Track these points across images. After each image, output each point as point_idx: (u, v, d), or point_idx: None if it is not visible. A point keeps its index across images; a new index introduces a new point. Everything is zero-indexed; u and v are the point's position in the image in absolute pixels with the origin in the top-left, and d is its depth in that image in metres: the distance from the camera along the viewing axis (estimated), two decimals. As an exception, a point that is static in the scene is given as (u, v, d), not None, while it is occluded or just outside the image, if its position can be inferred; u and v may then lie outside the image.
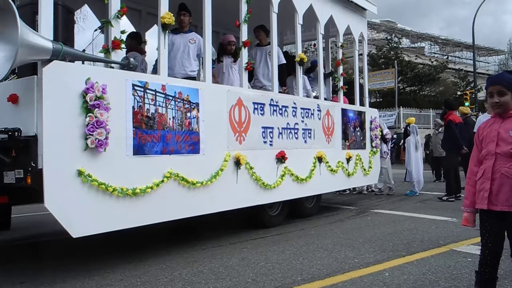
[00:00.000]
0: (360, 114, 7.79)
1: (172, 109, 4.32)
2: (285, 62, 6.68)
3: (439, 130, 11.82)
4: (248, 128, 5.20)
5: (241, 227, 5.81)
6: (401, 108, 26.63)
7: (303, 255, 4.35)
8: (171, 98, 4.31)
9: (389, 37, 32.08)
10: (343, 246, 4.70)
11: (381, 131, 9.51)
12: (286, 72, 7.28)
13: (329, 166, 6.65)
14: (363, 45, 8.34)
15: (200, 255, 4.43)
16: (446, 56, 41.44)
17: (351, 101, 7.94)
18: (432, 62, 31.41)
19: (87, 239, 3.65)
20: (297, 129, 6.05)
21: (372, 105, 34.08)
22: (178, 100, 4.40)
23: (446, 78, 31.90)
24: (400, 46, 32.82)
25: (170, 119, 4.28)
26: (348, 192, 10.03)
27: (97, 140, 3.54)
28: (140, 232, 4.82)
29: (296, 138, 6.03)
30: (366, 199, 9.07)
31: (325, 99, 7.38)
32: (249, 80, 6.84)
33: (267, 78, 6.67)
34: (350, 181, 7.28)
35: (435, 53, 42.91)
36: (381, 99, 30.44)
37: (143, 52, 6.10)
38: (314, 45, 8.37)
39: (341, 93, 7.47)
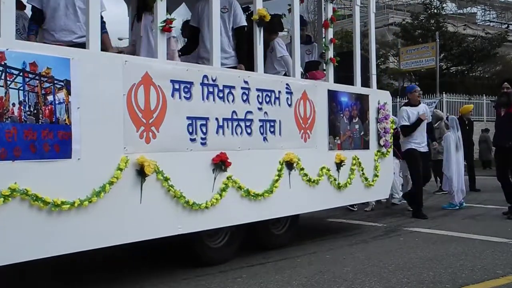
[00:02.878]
0: (361, 98, 6.87)
1: (18, 89, 3.49)
2: (245, 24, 5.82)
3: (437, 124, 11.86)
4: (161, 119, 4.33)
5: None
6: (444, 94, 25.72)
7: None
8: (16, 72, 3.47)
9: (428, 1, 30.99)
10: (367, 276, 4.70)
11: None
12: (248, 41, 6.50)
13: (306, 175, 5.76)
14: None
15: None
16: (506, 25, 40.24)
17: (347, 80, 7.04)
18: (486, 33, 30.30)
19: None
20: (251, 120, 5.17)
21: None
22: (31, 75, 3.55)
23: (505, 54, 30.81)
24: (443, 13, 31.76)
25: (13, 105, 3.44)
26: (356, 208, 9.21)
27: None
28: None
29: (249, 133, 5.15)
30: (397, 214, 8.76)
31: (305, 76, 6.52)
32: (191, 50, 6.06)
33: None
34: (343, 196, 6.38)
35: (490, 21, 41.70)
36: (417, 83, 29.43)
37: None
38: (302, 0, 7.48)
39: (330, 69, 6.55)
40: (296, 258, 5.45)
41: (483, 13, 42.84)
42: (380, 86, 31.39)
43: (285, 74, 6.41)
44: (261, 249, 5.73)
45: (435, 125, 11.78)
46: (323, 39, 6.77)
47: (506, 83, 8.44)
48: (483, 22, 40.96)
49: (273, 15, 7.38)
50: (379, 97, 7.27)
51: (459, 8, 39.50)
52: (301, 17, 7.46)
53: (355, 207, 9.15)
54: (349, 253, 5.69)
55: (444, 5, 33.32)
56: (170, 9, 7.31)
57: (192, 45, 6.08)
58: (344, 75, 7.17)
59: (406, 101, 9.20)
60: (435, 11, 30.37)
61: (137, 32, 5.27)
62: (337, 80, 7.32)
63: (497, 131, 8.41)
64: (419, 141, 8.43)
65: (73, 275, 5.07)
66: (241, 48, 5.82)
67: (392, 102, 28.01)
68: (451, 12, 37.11)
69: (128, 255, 5.61)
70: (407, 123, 8.42)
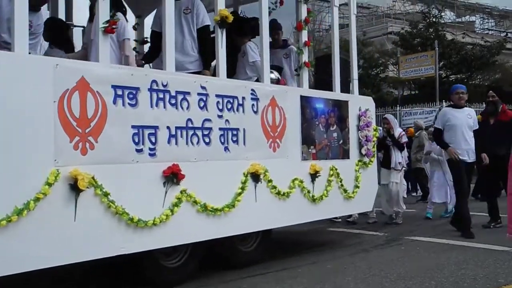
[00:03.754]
0: (339, 105, 6.40)
1: None
2: (208, 23, 5.41)
3: (417, 133, 11.47)
4: (101, 128, 3.90)
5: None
6: (444, 103, 25.13)
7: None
8: None
9: (426, 10, 30.56)
10: (369, 286, 4.68)
11: (387, 132, 8.40)
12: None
13: (274, 188, 5.29)
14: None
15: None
16: (505, 33, 39.66)
17: (326, 85, 6.59)
18: (485, 41, 29.79)
19: None
20: (209, 128, 4.72)
21: (405, 98, 33.02)
22: None
23: (504, 62, 30.27)
24: (442, 21, 31.30)
25: None
26: (340, 220, 8.72)
27: None
28: None
29: (207, 143, 4.70)
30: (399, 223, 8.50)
31: (276, 82, 6.08)
32: (155, 57, 5.63)
33: (182, 51, 5.42)
34: (319, 210, 5.90)
35: (489, 30, 41.12)
36: (417, 91, 29.00)
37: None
38: (282, 2, 7.09)
39: (305, 73, 6.10)
40: (297, 268, 5.39)
41: (481, 22, 42.33)
42: (380, 95, 31.08)
43: (257, 80, 6.00)
44: (229, 268, 5.27)
45: (416, 134, 11.37)
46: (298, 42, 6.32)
47: (491, 91, 8.08)
48: (481, 30, 40.40)
49: (251, 18, 7.06)
50: (360, 104, 6.79)
51: (458, 17, 39.04)
52: (275, 20, 7.10)
53: (338, 218, 8.64)
54: (350, 263, 5.64)
55: (443, 13, 32.93)
56: (144, 13, 7.00)
57: (155, 52, 5.65)
58: (325, 80, 6.77)
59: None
60: (434, 19, 29.93)
61: (89, 34, 4.86)
62: (318, 85, 6.95)
63: (487, 140, 7.89)
64: (464, 148, 7.20)
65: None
66: (206, 50, 5.40)
67: (392, 111, 27.51)
68: (450, 21, 36.63)
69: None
70: (440, 127, 7.33)
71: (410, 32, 29.20)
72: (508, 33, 39.52)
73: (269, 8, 7.17)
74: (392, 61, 30.25)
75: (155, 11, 7.35)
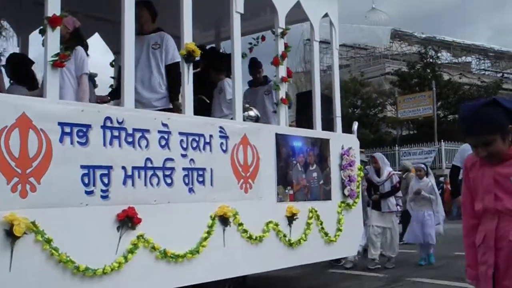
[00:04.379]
0: (319, 143, 6.09)
1: None
2: (178, 60, 5.18)
3: (404, 175, 11.18)
4: (44, 168, 3.58)
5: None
6: (443, 143, 24.88)
7: None
8: None
9: (423, 50, 30.65)
10: None
11: (367, 181, 8.06)
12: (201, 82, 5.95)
13: (246, 231, 4.93)
14: (333, 34, 6.71)
15: None
16: (501, 74, 39.70)
17: (306, 122, 6.32)
18: (482, 81, 29.78)
19: None
20: (172, 169, 4.39)
21: (404, 138, 32.83)
22: None
23: (502, 102, 30.16)
24: (439, 62, 31.35)
25: None
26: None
27: None
28: None
29: (169, 184, 4.36)
30: (399, 263, 8.30)
31: (254, 119, 5.81)
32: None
33: (149, 88, 5.18)
34: (296, 255, 5.51)
35: (485, 70, 41.18)
36: (415, 131, 28.79)
37: None
38: (263, 38, 6.91)
39: (282, 110, 5.81)
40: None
41: (477, 62, 42.47)
42: (379, 135, 30.86)
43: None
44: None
45: (403, 175, 11.02)
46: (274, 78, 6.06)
47: None
48: (478, 71, 40.50)
49: (229, 54, 6.88)
50: (342, 142, 6.47)
51: (454, 57, 39.16)
52: (255, 59, 6.95)
53: (342, 260, 8.18)
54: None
55: (439, 54, 33.04)
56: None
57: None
58: (306, 117, 6.51)
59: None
60: (431, 60, 29.99)
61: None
62: (300, 122, 6.71)
63: None
64: None
65: None
66: (175, 87, 5.15)
67: (391, 151, 27.26)
68: (447, 61, 36.74)
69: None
70: (459, 165, 6.49)
71: (407, 72, 29.24)
72: (505, 74, 39.60)
73: (251, 44, 7.05)
74: (390, 101, 30.21)
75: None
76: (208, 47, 7.20)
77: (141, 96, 5.23)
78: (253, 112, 6.42)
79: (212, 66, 6.52)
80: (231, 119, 5.81)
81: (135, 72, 5.20)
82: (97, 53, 7.31)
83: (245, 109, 6.52)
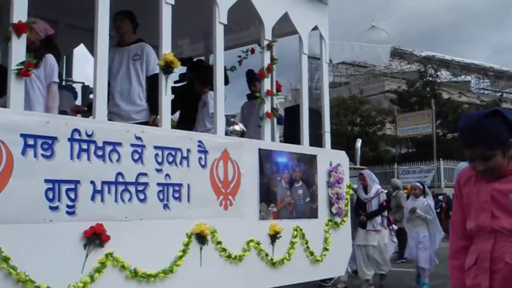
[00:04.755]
0: (306, 159, 5.90)
1: None
2: (156, 72, 5.02)
3: (394, 193, 11.12)
4: (4, 182, 3.40)
5: None
6: (442, 161, 24.70)
7: None
8: None
9: (423, 69, 30.62)
10: None
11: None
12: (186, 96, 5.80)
13: (224, 250, 4.71)
14: (323, 48, 6.56)
15: None
16: (500, 93, 39.63)
17: (293, 138, 6.15)
18: (481, 101, 29.71)
19: None
20: (145, 184, 4.21)
21: (403, 156, 32.64)
22: None
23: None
24: (438, 81, 31.31)
25: None
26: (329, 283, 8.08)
27: None
28: None
29: (142, 200, 4.18)
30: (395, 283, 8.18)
31: (240, 134, 5.64)
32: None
33: (128, 100, 5.03)
34: (279, 275, 5.29)
35: (484, 89, 41.17)
36: (414, 149, 28.57)
37: None
38: (252, 51, 6.77)
39: (267, 125, 5.64)
40: None
41: (477, 81, 42.48)
42: (378, 153, 30.65)
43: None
44: None
45: (393, 193, 10.81)
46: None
47: None
48: (477, 90, 40.47)
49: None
50: (331, 158, 6.28)
51: (454, 76, 39.16)
52: (252, 71, 6.80)
53: (328, 282, 7.98)
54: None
55: (439, 73, 33.01)
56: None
57: None
58: (294, 133, 6.35)
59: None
60: (430, 78, 29.94)
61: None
62: (288, 138, 6.57)
63: None
64: None
65: None
66: (155, 99, 4.98)
67: (390, 169, 27.04)
68: (446, 80, 36.70)
69: None
70: None
71: (407, 90, 29.20)
72: (504, 93, 39.52)
73: (240, 56, 6.90)
74: (389, 119, 30.10)
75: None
76: (195, 59, 7.07)
77: (120, 109, 5.09)
78: (238, 127, 6.26)
79: (197, 79, 6.38)
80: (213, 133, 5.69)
81: (114, 84, 5.11)
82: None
83: (230, 123, 6.37)
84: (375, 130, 30.03)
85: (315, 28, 6.48)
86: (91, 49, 6.70)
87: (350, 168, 7.28)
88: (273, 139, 6.05)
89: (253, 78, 6.94)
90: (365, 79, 40.81)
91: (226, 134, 6.14)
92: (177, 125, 6.67)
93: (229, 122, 6.44)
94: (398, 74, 37.69)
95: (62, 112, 4.68)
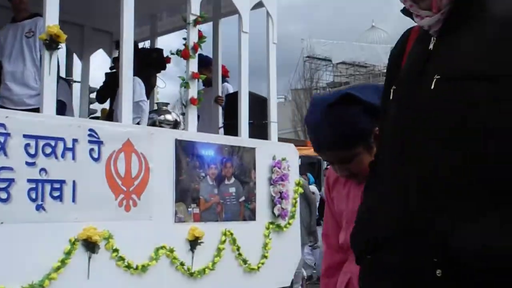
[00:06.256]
0: (241, 153, 5.17)
1: None
2: None
3: None
4: None
5: None
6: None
7: None
8: None
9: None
10: None
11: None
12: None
13: (122, 259, 3.98)
14: (269, 26, 5.82)
15: None
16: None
17: (233, 128, 5.46)
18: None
19: None
20: (10, 180, 3.50)
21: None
22: None
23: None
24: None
25: None
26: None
27: None
28: None
29: (4, 200, 3.47)
30: None
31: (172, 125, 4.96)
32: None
33: (22, 83, 4.39)
34: (198, 287, 4.54)
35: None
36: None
37: None
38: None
39: (191, 112, 4.92)
40: None
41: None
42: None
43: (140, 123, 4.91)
44: None
45: None
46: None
47: None
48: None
49: (152, 50, 6.29)
50: (274, 152, 5.53)
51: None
52: (206, 57, 6.13)
53: None
54: None
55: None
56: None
57: None
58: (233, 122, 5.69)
59: None
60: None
61: None
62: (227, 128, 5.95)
63: None
64: None
65: None
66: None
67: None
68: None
69: None
70: None
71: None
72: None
73: (185, 39, 6.24)
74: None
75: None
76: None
77: (12, 93, 4.45)
78: (171, 116, 5.60)
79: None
80: (138, 123, 5.03)
81: (7, 65, 4.45)
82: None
83: (161, 112, 5.70)
84: (374, 130, 29.39)
85: (260, 4, 5.75)
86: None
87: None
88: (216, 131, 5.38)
89: (207, 63, 6.28)
90: (365, 79, 40.04)
91: (154, 124, 5.48)
92: (107, 115, 6.03)
93: (160, 110, 5.78)
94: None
95: (59, 101, 4.22)
